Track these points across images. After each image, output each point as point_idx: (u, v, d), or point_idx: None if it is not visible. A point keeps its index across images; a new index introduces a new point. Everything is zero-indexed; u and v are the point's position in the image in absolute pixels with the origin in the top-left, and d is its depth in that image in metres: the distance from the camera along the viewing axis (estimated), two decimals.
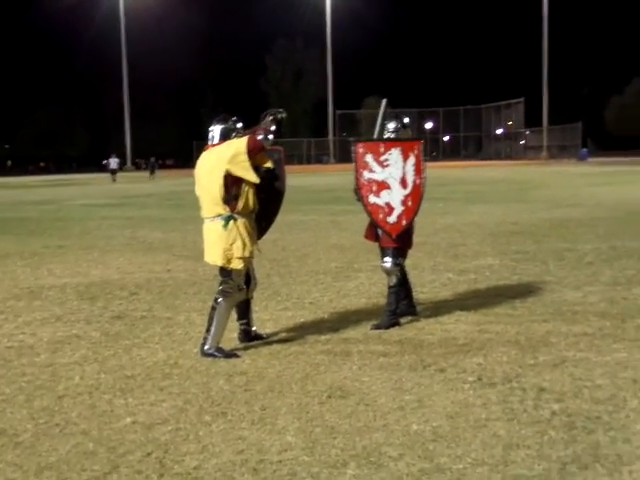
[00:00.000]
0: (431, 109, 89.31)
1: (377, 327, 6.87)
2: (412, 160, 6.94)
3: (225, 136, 6.30)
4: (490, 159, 79.71)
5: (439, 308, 7.62)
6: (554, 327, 6.71)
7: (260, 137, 6.07)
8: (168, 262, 11.31)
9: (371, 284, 9.00)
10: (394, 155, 6.92)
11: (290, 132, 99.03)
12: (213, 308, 6.22)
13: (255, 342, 6.51)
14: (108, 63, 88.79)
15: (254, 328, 6.68)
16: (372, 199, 6.96)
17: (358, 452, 4.11)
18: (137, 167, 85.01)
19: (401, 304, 7.19)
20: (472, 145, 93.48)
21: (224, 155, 6.05)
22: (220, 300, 6.18)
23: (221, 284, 6.25)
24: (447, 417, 4.59)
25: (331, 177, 45.42)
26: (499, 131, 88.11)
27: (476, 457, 4.00)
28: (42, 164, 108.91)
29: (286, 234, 14.50)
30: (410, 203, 6.96)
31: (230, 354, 6.12)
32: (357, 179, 6.97)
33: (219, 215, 6.12)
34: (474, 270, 9.88)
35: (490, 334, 6.55)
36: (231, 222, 6.09)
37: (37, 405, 5.05)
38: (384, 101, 7.39)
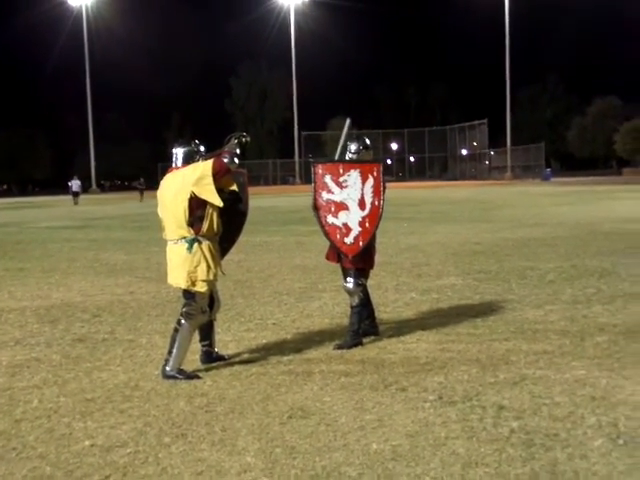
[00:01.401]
0: (396, 130, 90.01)
1: (340, 347, 6.88)
2: (371, 182, 6.99)
3: (188, 158, 6.31)
4: (455, 179, 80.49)
5: (401, 327, 7.65)
6: (515, 345, 6.77)
7: (226, 160, 6.10)
8: (131, 284, 11.23)
9: (334, 304, 9.01)
10: (353, 177, 6.97)
11: (256, 153, 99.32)
12: (175, 330, 6.19)
13: (217, 363, 6.48)
14: (72, 85, 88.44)
15: (216, 349, 6.65)
16: (330, 219, 7.00)
17: (317, 472, 4.11)
18: (102, 189, 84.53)
19: (364, 324, 7.21)
20: (437, 165, 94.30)
21: (189, 177, 6.05)
22: (183, 322, 6.16)
23: (184, 306, 6.23)
24: (407, 436, 4.61)
25: (297, 198, 45.44)
26: (464, 152, 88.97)
27: (435, 476, 4.02)
28: (5, 186, 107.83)
29: (251, 255, 14.51)
30: (368, 224, 7.00)
31: (191, 375, 6.09)
32: (316, 200, 7.01)
33: (183, 237, 6.11)
34: (437, 290, 9.94)
35: (451, 353, 6.59)
36: (195, 245, 6.08)
37: None
38: (348, 121, 7.46)
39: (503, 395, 5.36)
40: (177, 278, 6.20)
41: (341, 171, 7.00)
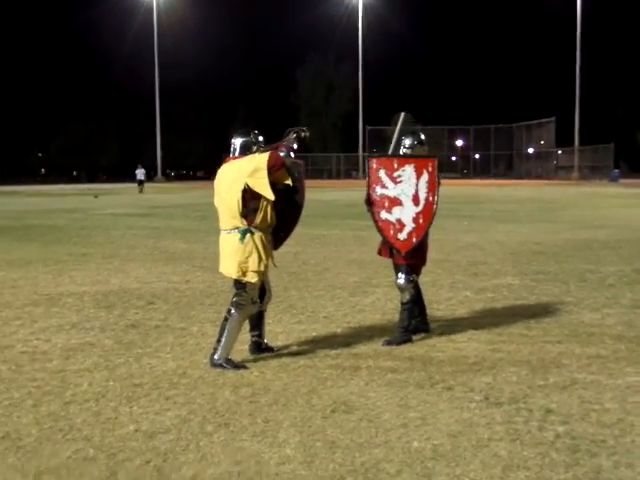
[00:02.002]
0: (462, 127, 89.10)
1: (389, 343, 6.84)
2: (425, 177, 6.93)
3: (246, 149, 6.34)
4: (521, 178, 79.27)
5: (453, 326, 7.57)
6: (567, 348, 6.65)
7: (282, 154, 6.11)
8: (187, 273, 11.36)
9: (387, 300, 8.96)
10: (407, 172, 6.91)
11: (320, 147, 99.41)
12: (225, 319, 6.23)
13: (265, 354, 6.51)
14: (141, 75, 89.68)
15: (265, 340, 6.68)
16: (383, 215, 6.96)
17: (356, 467, 4.09)
18: (167, 178, 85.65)
19: (415, 321, 7.16)
20: (503, 164, 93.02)
21: (245, 169, 6.08)
22: (233, 312, 6.20)
23: (235, 296, 6.27)
24: (449, 436, 4.56)
25: (359, 192, 45.28)
26: (530, 150, 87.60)
27: (474, 477, 3.97)
28: (75, 173, 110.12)
29: (308, 248, 14.55)
30: (421, 221, 6.94)
31: (239, 365, 6.12)
32: (369, 194, 6.98)
33: (236, 228, 6.15)
34: (492, 289, 9.82)
35: (502, 353, 6.50)
36: (248, 235, 6.11)
37: (43, 410, 5.09)
38: (402, 115, 7.40)
39: (551, 399, 5.26)
40: (229, 267, 6.24)
41: (396, 166, 6.95)
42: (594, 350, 6.57)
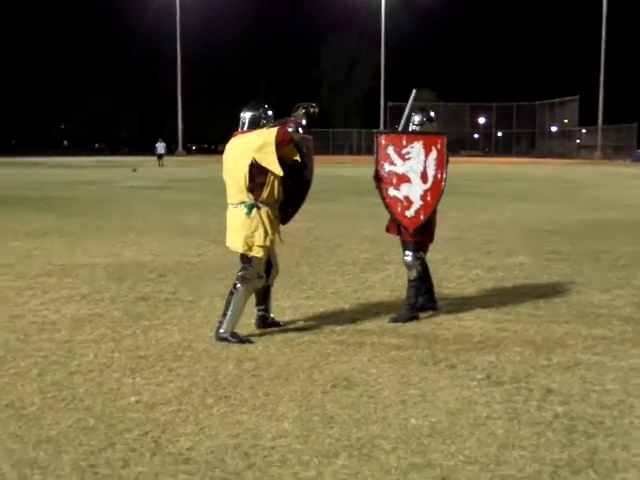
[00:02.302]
0: (484, 104, 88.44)
1: (395, 320, 6.85)
2: (434, 154, 6.90)
3: (254, 123, 6.33)
4: (543, 157, 78.70)
5: (461, 304, 7.56)
6: (574, 329, 6.63)
7: (290, 129, 6.10)
8: (200, 246, 11.41)
9: (397, 277, 8.95)
10: (416, 148, 6.89)
11: (341, 122, 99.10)
12: (231, 293, 6.26)
13: (271, 329, 6.54)
14: (162, 48, 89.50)
15: (272, 315, 6.71)
16: (391, 192, 6.94)
17: (352, 443, 4.12)
18: (188, 151, 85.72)
19: (422, 298, 7.16)
20: (525, 142, 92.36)
21: (253, 143, 6.08)
22: (239, 286, 6.23)
23: (241, 270, 6.30)
24: (447, 413, 4.57)
25: None
26: (553, 129, 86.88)
27: (469, 455, 3.98)
28: (97, 145, 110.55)
29: (322, 223, 14.56)
30: (429, 198, 6.92)
31: (244, 339, 6.16)
32: (377, 171, 6.96)
33: (243, 202, 6.16)
34: (504, 268, 9.79)
35: (507, 333, 6.49)
36: (254, 210, 6.12)
37: (48, 380, 5.15)
38: (413, 92, 7.36)
39: (553, 379, 5.26)
40: (235, 242, 6.26)
41: (404, 142, 6.92)
42: (600, 331, 6.55)
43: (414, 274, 7.00)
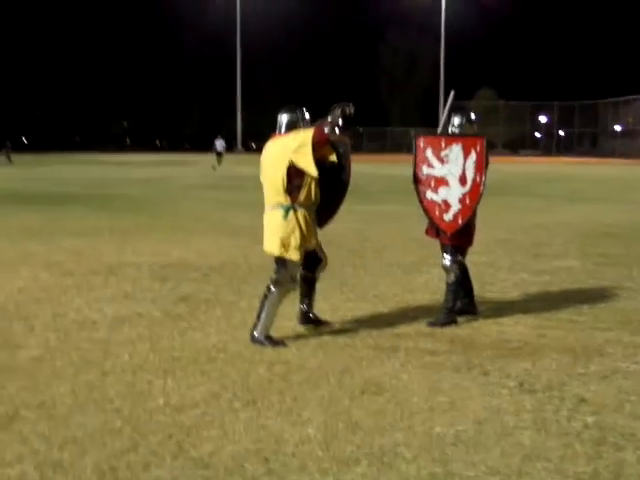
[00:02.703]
0: (545, 102, 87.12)
1: (432, 324, 6.79)
2: (473, 157, 6.80)
3: (291, 126, 6.35)
4: (606, 156, 77.20)
5: (502, 309, 7.46)
6: (615, 336, 6.48)
7: (326, 130, 6.09)
8: (247, 247, 11.43)
9: (440, 280, 8.75)
10: (455, 151, 6.81)
11: (399, 120, 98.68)
12: (265, 296, 6.28)
13: (308, 332, 6.53)
14: (224, 46, 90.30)
15: (315, 312, 6.71)
16: (429, 195, 6.89)
17: (374, 451, 4.09)
18: (246, 149, 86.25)
19: (461, 302, 7.09)
20: (587, 141, 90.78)
21: (289, 145, 6.10)
22: (272, 289, 6.25)
23: (275, 273, 6.31)
24: (474, 422, 4.52)
25: None
26: (617, 128, 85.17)
27: (492, 465, 3.92)
28: (158, 142, 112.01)
29: (371, 224, 14.54)
30: (468, 201, 6.84)
31: (278, 342, 6.16)
32: (416, 173, 6.91)
33: (280, 205, 6.17)
34: (551, 271, 9.63)
35: (546, 339, 6.38)
36: (290, 212, 6.14)
37: (81, 380, 5.23)
38: (452, 93, 7.29)
39: (588, 387, 5.15)
40: (271, 245, 6.29)
41: (443, 145, 6.85)
42: None
43: (452, 278, 6.93)
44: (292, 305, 6.73)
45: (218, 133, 59.68)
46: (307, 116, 6.46)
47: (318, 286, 7.00)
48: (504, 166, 48.49)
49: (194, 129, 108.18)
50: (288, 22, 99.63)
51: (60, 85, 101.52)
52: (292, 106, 6.54)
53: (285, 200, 6.15)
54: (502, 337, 6.44)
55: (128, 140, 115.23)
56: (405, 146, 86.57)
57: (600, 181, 32.76)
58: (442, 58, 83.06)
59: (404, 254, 11.02)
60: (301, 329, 6.63)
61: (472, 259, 10.30)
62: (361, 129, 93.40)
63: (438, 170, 6.86)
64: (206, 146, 77.37)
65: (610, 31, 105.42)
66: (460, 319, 6.96)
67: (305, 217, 6.18)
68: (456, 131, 7.06)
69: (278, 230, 6.18)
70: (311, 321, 6.66)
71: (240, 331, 6.57)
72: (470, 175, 6.82)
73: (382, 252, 11.24)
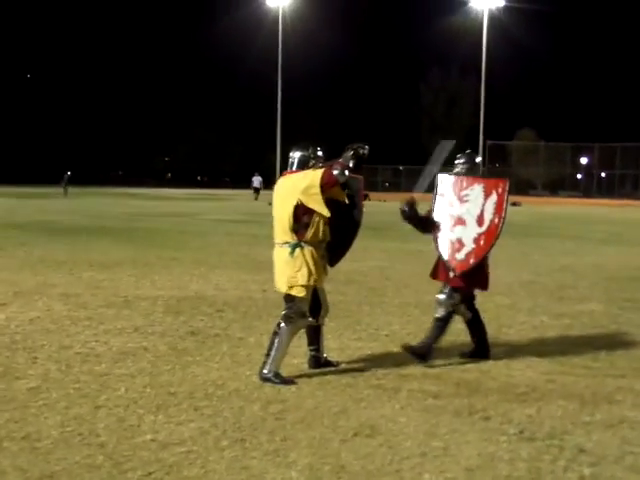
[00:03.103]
0: (586, 144, 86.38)
1: (407, 349, 6.76)
2: (494, 198, 6.75)
3: (303, 164, 6.32)
4: None
5: (516, 352, 7.27)
6: (628, 384, 6.27)
7: (336, 172, 6.04)
8: (267, 282, 11.32)
9: (457, 321, 8.64)
10: (475, 191, 6.76)
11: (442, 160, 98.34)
12: (275, 333, 6.21)
13: (314, 370, 6.42)
14: (265, 84, 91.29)
15: (325, 355, 6.61)
16: (445, 233, 6.84)
17: None
18: None
19: (474, 344, 6.98)
20: (629, 183, 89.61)
21: (298, 185, 6.06)
22: (282, 325, 6.17)
23: (285, 309, 6.24)
24: (466, 470, 4.36)
25: None
26: None
27: None
28: (199, 178, 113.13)
29: (396, 263, 14.41)
30: (483, 242, 6.73)
31: (287, 380, 6.06)
32: (434, 210, 6.83)
33: (287, 242, 6.12)
34: (572, 315, 9.40)
35: (555, 385, 6.19)
36: (297, 250, 6.08)
37: (72, 413, 5.17)
38: (447, 143, 7.21)
39: (591, 437, 4.96)
40: (280, 282, 6.24)
41: (464, 184, 6.79)
42: None
43: (441, 312, 6.81)
44: (298, 342, 6.62)
45: (257, 169, 60.20)
46: (320, 154, 6.41)
47: (332, 324, 6.89)
48: (542, 207, 48.16)
49: (234, 165, 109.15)
50: (329, 60, 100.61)
51: (105, 119, 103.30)
52: (305, 144, 6.52)
53: (292, 238, 6.10)
54: (510, 381, 6.26)
55: (169, 175, 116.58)
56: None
57: (638, 224, 32.24)
58: (482, 98, 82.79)
59: (424, 294, 10.82)
60: (305, 367, 6.51)
61: (493, 300, 10.21)
62: (401, 167, 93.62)
63: (457, 209, 6.78)
64: (246, 182, 78.09)
65: None
66: (469, 362, 6.80)
67: (312, 254, 6.11)
68: (461, 170, 6.98)
69: (286, 267, 6.13)
70: (323, 365, 6.54)
71: (242, 367, 6.48)
72: (488, 216, 6.75)
73: (402, 290, 11.09)
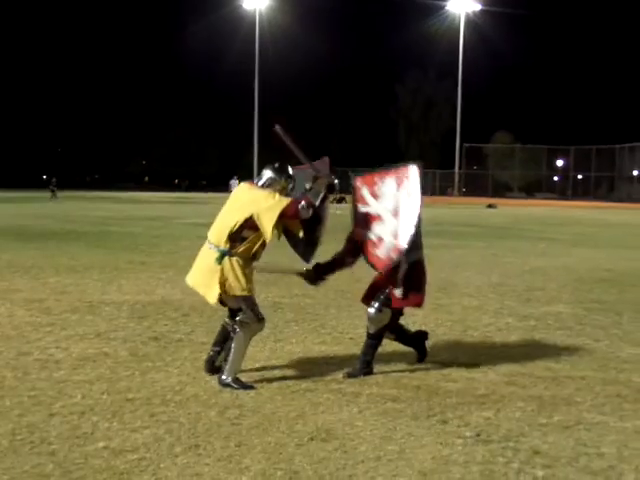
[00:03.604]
0: (562, 147, 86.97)
1: (350, 375, 6.43)
2: (406, 187, 6.44)
3: (269, 184, 6.26)
4: (622, 201, 76.64)
5: (478, 354, 7.28)
6: (587, 385, 6.29)
7: (301, 208, 6.03)
8: None
9: (425, 323, 8.68)
10: (388, 185, 6.53)
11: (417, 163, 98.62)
12: (231, 339, 6.15)
13: (272, 375, 6.37)
14: (241, 86, 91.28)
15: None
16: (365, 234, 6.57)
17: None
18: None
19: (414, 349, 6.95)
20: (605, 186, 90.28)
21: (260, 201, 6.02)
22: (238, 331, 6.12)
23: (239, 315, 6.17)
24: (420, 473, 4.35)
25: (447, 210, 44.85)
26: (635, 173, 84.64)
27: None
28: (176, 181, 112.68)
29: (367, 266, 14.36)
30: (401, 235, 6.37)
31: (247, 386, 6.02)
32: (354, 211, 6.68)
33: (217, 247, 6.05)
34: (538, 317, 9.43)
35: (515, 387, 6.20)
36: (225, 258, 6.01)
37: (25, 421, 5.10)
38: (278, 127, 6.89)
39: (546, 439, 4.97)
40: (202, 288, 6.23)
41: (377, 181, 6.65)
42: (615, 389, 6.19)
43: (373, 329, 6.61)
44: (259, 347, 6.59)
45: (234, 173, 60.12)
46: (291, 185, 6.34)
47: (295, 328, 6.83)
48: (518, 209, 48.41)
49: (212, 168, 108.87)
50: (307, 62, 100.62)
51: (80, 123, 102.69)
52: (281, 167, 6.39)
53: (225, 245, 6.02)
54: (470, 385, 6.25)
55: (146, 178, 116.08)
56: (422, 188, 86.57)
57: (611, 226, 32.46)
58: (459, 101, 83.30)
59: None
60: (268, 372, 6.47)
61: (461, 302, 10.26)
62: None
63: (373, 207, 6.61)
64: (224, 185, 77.92)
65: (627, 76, 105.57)
66: (431, 366, 6.79)
67: (239, 264, 6.01)
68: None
69: (208, 274, 6.07)
70: (216, 370, 6.32)
71: (202, 373, 6.42)
72: (404, 207, 6.42)
73: None
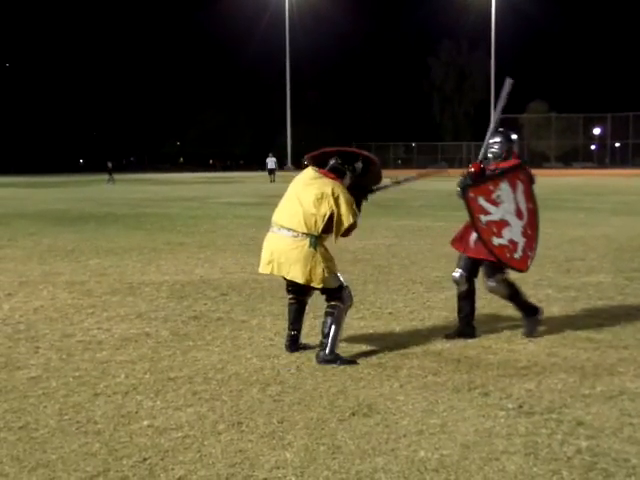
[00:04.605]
0: (599, 114, 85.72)
1: (528, 335, 6.88)
2: (521, 187, 6.83)
3: (335, 171, 6.30)
4: None
5: (518, 326, 7.21)
6: (630, 355, 6.23)
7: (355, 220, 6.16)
8: None
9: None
10: (504, 189, 6.77)
11: (451, 135, 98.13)
12: (329, 313, 6.16)
13: (312, 351, 6.39)
14: (273, 64, 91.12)
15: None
16: (496, 241, 6.72)
17: (350, 477, 3.95)
18: (297, 167, 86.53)
19: (460, 324, 6.99)
20: None
21: (340, 200, 6.09)
22: (338, 305, 6.16)
23: (336, 294, 6.21)
24: (462, 446, 4.34)
25: None
26: None
27: None
28: (211, 161, 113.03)
29: (404, 240, 14.38)
30: (529, 231, 6.85)
31: (349, 360, 6.08)
32: (477, 227, 6.72)
33: (295, 231, 6.08)
34: (578, 287, 9.35)
35: (557, 358, 6.16)
36: (316, 242, 6.08)
37: (71, 401, 5.18)
38: (507, 81, 7.19)
39: (589, 410, 4.93)
40: (294, 271, 6.18)
41: (492, 188, 6.74)
42: None
43: (505, 295, 7.03)
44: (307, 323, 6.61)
45: (268, 151, 60.01)
46: (359, 167, 6.37)
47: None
48: (555, 180, 47.82)
49: (246, 148, 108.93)
50: (338, 37, 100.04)
51: (114, 107, 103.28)
52: (343, 157, 6.38)
53: (314, 230, 6.06)
54: (511, 356, 6.23)
55: (181, 159, 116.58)
56: (457, 161, 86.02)
57: None
58: (493, 72, 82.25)
59: (430, 270, 10.82)
60: (307, 349, 6.48)
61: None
62: (413, 144, 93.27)
63: (495, 214, 6.74)
64: (259, 164, 77.98)
65: None
66: (470, 339, 6.78)
67: (325, 247, 6.21)
68: (495, 151, 6.94)
69: (306, 259, 6.06)
70: (300, 348, 6.48)
71: (244, 350, 6.48)
72: (523, 206, 6.83)
73: (409, 268, 11.05)
